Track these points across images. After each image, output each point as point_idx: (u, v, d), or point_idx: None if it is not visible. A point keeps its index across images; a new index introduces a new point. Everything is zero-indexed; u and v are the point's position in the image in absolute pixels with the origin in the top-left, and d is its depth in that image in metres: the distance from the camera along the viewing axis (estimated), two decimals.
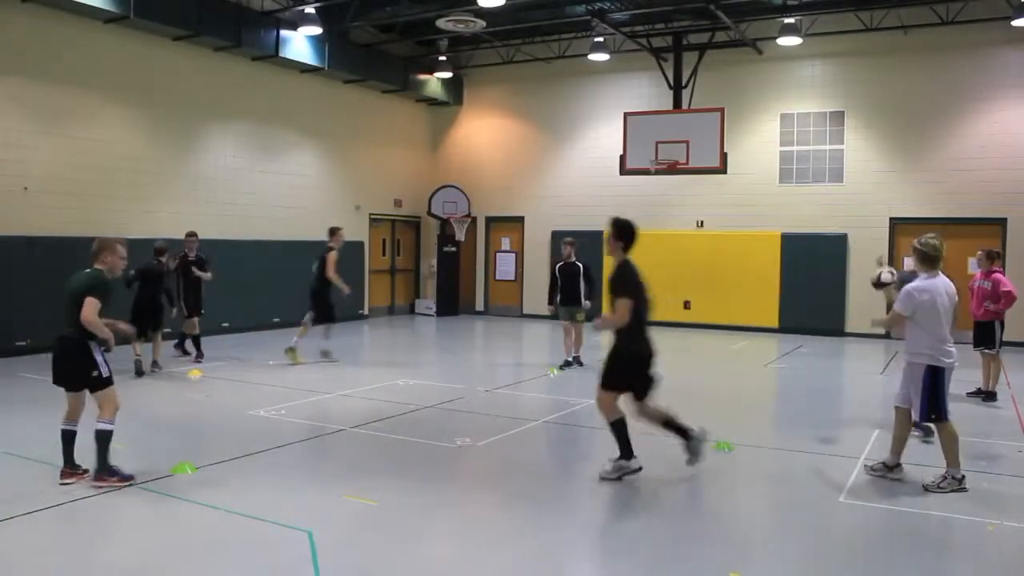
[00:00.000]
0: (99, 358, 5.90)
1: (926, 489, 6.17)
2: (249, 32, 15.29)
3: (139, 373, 10.65)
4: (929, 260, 6.27)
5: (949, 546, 5.32)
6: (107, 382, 5.94)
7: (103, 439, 5.91)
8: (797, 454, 7.35)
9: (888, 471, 6.48)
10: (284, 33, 15.85)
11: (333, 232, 12.34)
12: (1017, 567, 5.03)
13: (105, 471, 5.94)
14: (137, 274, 10.82)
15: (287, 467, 6.80)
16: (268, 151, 16.69)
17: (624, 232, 6.40)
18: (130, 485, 5.93)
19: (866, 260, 16.63)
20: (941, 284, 6.25)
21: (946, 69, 15.97)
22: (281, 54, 15.89)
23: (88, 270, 6.00)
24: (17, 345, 12.13)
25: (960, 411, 9.00)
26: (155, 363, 11.11)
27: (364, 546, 5.06)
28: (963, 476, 6.21)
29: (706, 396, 10.52)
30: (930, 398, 6.12)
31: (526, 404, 9.65)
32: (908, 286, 6.28)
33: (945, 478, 6.19)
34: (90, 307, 5.73)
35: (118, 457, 6.79)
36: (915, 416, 6.33)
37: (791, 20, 15.53)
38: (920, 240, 6.36)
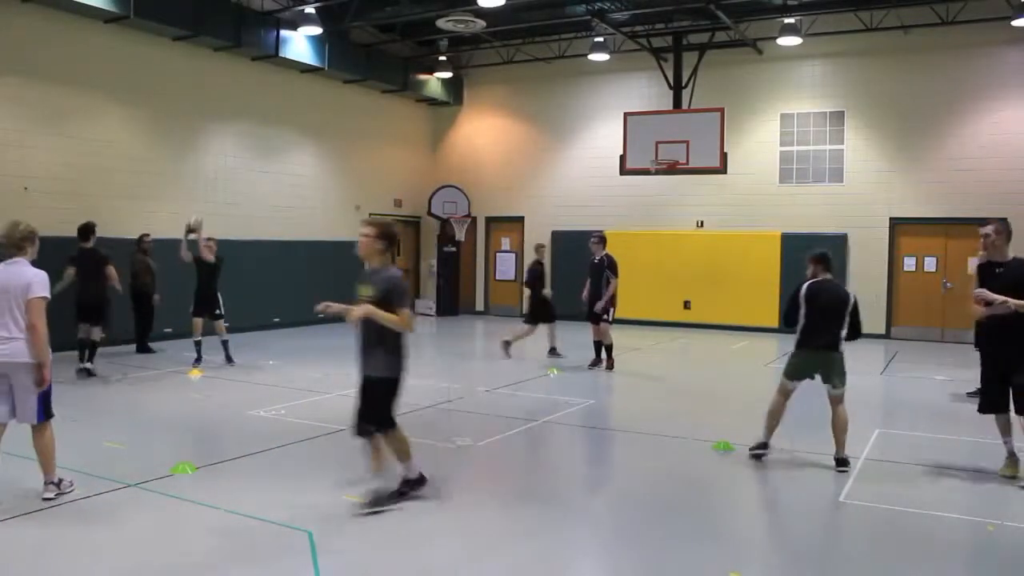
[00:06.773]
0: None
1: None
2: (249, 32, 15.29)
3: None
4: None
5: (949, 546, 5.31)
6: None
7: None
8: (797, 454, 7.35)
9: None
10: (284, 33, 15.85)
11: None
12: (1017, 567, 5.03)
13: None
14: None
15: (287, 467, 6.79)
16: (268, 151, 16.69)
17: None
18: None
19: (867, 260, 16.67)
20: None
21: (946, 69, 15.97)
22: (281, 54, 15.89)
23: None
24: None
25: (961, 411, 9.03)
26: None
27: (364, 546, 5.06)
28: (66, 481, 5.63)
29: (706, 396, 10.54)
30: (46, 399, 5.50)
31: (526, 404, 9.63)
32: None
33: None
34: None
35: (116, 458, 6.81)
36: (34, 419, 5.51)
37: (791, 20, 15.53)
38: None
